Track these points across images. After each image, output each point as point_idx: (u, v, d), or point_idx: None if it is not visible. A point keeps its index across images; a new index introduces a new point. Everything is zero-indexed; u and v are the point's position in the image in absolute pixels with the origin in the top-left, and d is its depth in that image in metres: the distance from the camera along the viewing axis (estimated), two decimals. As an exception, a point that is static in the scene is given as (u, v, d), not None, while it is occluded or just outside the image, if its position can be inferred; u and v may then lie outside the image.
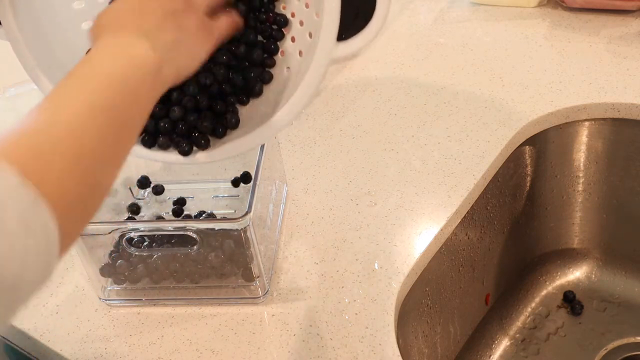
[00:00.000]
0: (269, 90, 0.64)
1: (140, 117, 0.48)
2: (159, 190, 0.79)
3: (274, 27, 0.63)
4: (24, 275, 0.36)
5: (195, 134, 0.61)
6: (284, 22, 0.63)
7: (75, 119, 0.42)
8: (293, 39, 0.63)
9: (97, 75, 0.45)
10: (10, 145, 0.39)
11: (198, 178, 0.80)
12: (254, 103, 0.64)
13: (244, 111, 0.64)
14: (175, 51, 0.51)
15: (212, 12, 0.57)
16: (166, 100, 0.61)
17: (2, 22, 0.60)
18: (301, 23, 0.61)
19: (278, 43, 0.64)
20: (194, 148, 0.62)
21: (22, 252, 0.36)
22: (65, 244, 0.40)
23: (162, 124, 0.61)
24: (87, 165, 0.42)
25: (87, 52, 0.49)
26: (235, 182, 0.79)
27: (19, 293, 0.36)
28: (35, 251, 0.37)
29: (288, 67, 0.63)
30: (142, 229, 0.66)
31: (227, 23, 0.58)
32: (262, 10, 0.63)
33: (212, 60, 0.61)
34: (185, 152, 0.61)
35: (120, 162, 0.46)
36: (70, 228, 0.41)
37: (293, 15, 0.62)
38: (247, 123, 0.63)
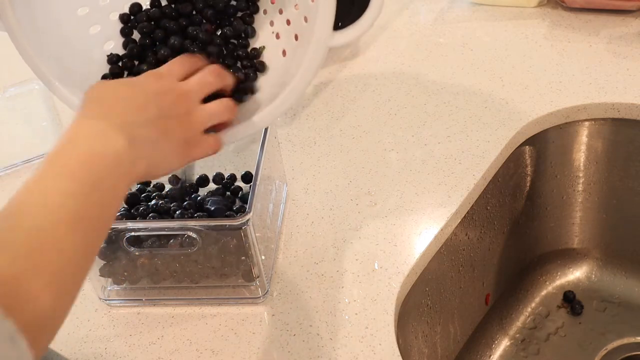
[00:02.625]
0: (265, 77, 0.64)
1: (108, 208, 0.48)
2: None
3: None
4: None
5: None
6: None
7: (50, 234, 0.43)
8: (288, 22, 0.63)
9: (70, 164, 0.46)
10: None
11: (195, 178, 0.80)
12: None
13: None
14: (152, 151, 0.52)
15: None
16: None
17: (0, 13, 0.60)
18: (296, 7, 0.61)
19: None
20: None
21: None
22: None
23: None
24: (62, 284, 0.43)
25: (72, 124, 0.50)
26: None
27: None
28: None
29: (284, 51, 0.63)
30: (142, 228, 0.66)
31: (213, 143, 0.58)
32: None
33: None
34: None
35: (88, 266, 0.46)
36: (44, 337, 0.42)
37: None
38: (245, 110, 0.63)
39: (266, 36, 0.66)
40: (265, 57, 0.65)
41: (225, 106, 0.59)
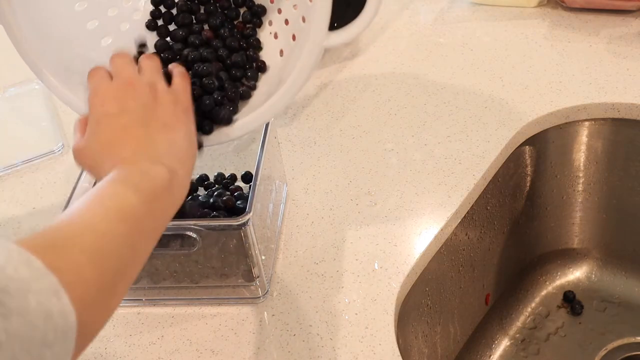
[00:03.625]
0: (263, 77, 0.65)
1: (161, 224, 0.51)
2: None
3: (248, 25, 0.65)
4: None
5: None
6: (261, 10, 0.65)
7: (95, 221, 0.45)
8: (287, 22, 0.63)
9: (122, 193, 0.48)
10: (34, 239, 0.41)
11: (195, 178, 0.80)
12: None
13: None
14: (161, 145, 0.54)
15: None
16: None
17: None
18: (295, 7, 0.61)
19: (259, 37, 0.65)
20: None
21: (40, 337, 0.37)
22: (81, 340, 0.41)
23: None
24: (105, 263, 0.44)
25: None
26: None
27: None
28: (53, 338, 0.38)
29: (281, 50, 0.63)
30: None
31: (180, 83, 0.59)
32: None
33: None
34: None
35: (137, 266, 0.48)
36: (89, 324, 0.42)
37: None
38: (241, 109, 0.63)
39: (264, 36, 0.66)
40: (263, 56, 0.66)
41: (179, 72, 0.60)
